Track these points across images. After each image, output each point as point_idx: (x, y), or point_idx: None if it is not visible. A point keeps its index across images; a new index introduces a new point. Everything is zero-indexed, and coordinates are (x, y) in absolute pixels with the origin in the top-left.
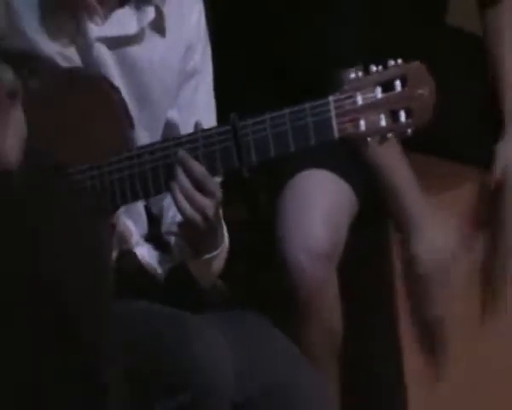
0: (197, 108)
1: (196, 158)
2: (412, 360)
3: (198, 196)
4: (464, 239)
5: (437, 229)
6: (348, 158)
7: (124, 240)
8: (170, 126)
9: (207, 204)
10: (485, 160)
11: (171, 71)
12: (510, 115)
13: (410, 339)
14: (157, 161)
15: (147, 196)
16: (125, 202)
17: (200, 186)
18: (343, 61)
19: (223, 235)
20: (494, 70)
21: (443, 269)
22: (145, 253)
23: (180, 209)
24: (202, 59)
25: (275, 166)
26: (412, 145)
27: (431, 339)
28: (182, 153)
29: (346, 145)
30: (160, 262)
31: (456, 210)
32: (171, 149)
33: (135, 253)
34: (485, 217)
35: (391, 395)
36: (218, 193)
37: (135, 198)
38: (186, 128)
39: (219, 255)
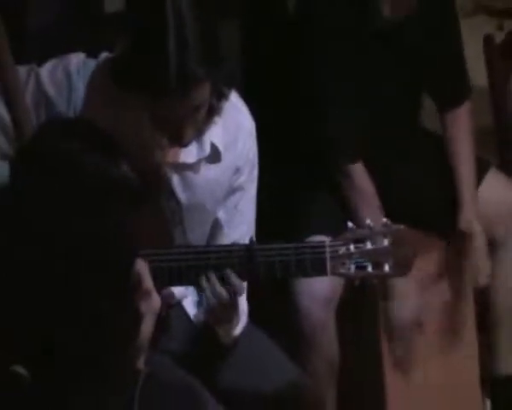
0: (239, 215)
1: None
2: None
3: (225, 295)
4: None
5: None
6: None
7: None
8: (216, 224)
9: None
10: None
11: (221, 187)
12: (468, 204)
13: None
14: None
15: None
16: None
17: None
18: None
19: (243, 310)
20: (453, 178)
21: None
22: (190, 306)
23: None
24: (247, 179)
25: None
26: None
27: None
28: (229, 271)
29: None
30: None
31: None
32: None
33: (183, 305)
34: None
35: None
36: (239, 291)
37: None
38: (229, 227)
39: (239, 324)
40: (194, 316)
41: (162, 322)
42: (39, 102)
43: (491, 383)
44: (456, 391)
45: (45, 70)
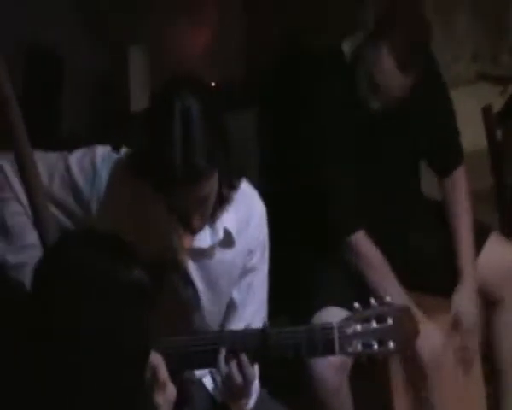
0: (252, 295)
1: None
2: None
3: (239, 381)
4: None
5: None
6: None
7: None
8: (231, 304)
9: (244, 385)
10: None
11: (235, 268)
12: (467, 277)
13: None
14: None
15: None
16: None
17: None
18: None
19: (256, 388)
20: (452, 241)
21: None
22: (209, 383)
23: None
24: (259, 260)
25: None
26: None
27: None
28: (245, 360)
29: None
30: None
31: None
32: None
33: (203, 382)
34: None
35: None
36: (253, 378)
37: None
38: (243, 306)
39: (251, 399)
40: (214, 392)
41: (186, 401)
42: (67, 184)
43: None
44: None
45: (74, 157)
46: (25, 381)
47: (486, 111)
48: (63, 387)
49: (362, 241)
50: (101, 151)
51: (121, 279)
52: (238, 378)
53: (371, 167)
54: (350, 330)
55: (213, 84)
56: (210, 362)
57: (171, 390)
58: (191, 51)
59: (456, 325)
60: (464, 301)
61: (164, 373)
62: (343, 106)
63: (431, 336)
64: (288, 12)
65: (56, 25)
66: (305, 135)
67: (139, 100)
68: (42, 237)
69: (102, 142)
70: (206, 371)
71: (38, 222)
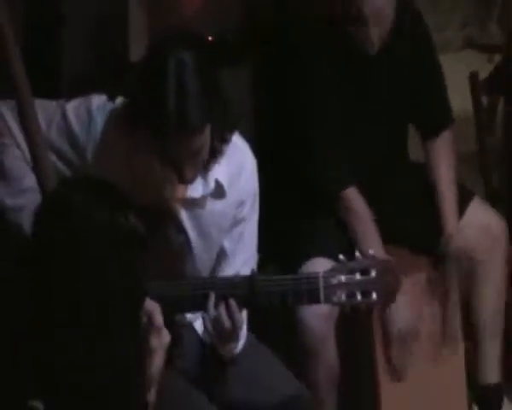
0: (242, 244)
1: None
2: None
3: (228, 325)
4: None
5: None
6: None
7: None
8: (222, 252)
9: (232, 329)
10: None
11: (226, 218)
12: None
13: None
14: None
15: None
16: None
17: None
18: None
19: (244, 333)
20: (437, 201)
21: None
22: (200, 327)
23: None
24: (250, 210)
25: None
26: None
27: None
28: (233, 305)
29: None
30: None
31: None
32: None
33: (194, 326)
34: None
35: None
36: (241, 323)
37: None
38: (234, 255)
39: (239, 343)
40: (203, 336)
41: (176, 343)
42: (63, 131)
43: (479, 391)
44: (445, 397)
45: (71, 106)
46: (24, 321)
47: (473, 78)
48: (63, 327)
49: (353, 196)
50: (97, 100)
51: (117, 225)
52: (227, 323)
53: (362, 127)
54: (335, 281)
55: (210, 38)
56: (200, 306)
57: (165, 335)
58: (189, 5)
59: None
60: (449, 242)
61: (159, 319)
62: (334, 62)
63: (404, 312)
64: None
65: None
66: (297, 92)
67: (138, 50)
68: (41, 182)
69: (101, 90)
70: (197, 315)
71: (37, 168)
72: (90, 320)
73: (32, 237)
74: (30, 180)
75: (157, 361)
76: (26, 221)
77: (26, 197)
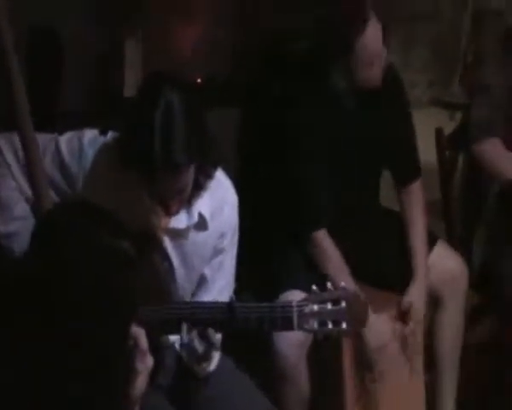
0: (221, 272)
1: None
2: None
3: (200, 351)
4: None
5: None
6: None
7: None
8: (202, 279)
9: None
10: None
11: (207, 248)
12: (420, 275)
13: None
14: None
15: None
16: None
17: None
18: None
19: (218, 354)
20: (408, 244)
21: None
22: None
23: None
24: (230, 242)
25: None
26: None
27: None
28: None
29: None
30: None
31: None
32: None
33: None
34: None
35: None
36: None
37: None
38: (213, 282)
39: (212, 363)
40: (181, 352)
41: (159, 365)
42: (56, 162)
43: None
44: None
45: (64, 138)
46: (15, 340)
47: (438, 133)
48: (55, 345)
49: (323, 238)
50: (89, 133)
51: (110, 248)
52: (198, 349)
53: (338, 172)
54: (307, 309)
55: (199, 80)
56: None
57: (149, 359)
58: (181, 48)
59: (405, 315)
60: (416, 296)
61: (144, 343)
62: (319, 108)
63: (378, 327)
64: (272, 15)
65: (62, 11)
66: (282, 134)
67: (132, 87)
68: (40, 210)
69: (97, 122)
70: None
71: (38, 196)
72: (79, 339)
73: (27, 259)
74: (21, 209)
75: (140, 383)
76: (17, 247)
77: (16, 224)
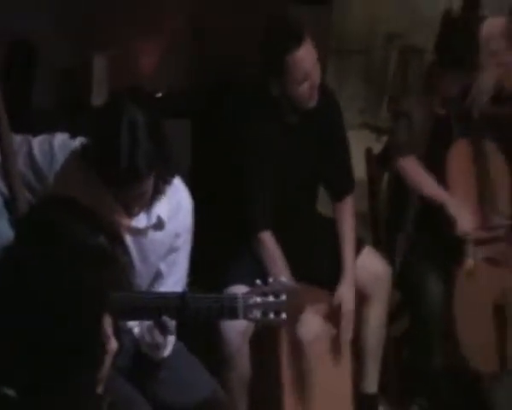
0: (175, 268)
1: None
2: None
3: (158, 338)
4: None
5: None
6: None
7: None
8: (158, 273)
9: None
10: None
11: (164, 246)
12: (349, 274)
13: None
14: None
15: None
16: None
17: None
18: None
19: (172, 340)
20: (339, 248)
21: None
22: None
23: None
24: (184, 242)
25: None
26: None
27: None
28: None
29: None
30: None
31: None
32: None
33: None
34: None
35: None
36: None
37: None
38: (168, 276)
39: (167, 349)
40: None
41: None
42: (28, 162)
43: (359, 399)
44: (335, 401)
45: (36, 141)
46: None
47: (368, 152)
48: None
49: (268, 239)
50: (60, 137)
51: (88, 244)
52: (157, 337)
53: (283, 182)
54: (251, 301)
55: (160, 94)
56: (142, 316)
57: (114, 342)
58: (144, 64)
59: (336, 310)
60: (345, 292)
61: (109, 329)
62: (264, 128)
63: (310, 322)
64: (230, 43)
65: (34, 20)
66: (230, 150)
67: (99, 96)
68: (16, 209)
69: (65, 127)
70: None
71: (13, 193)
72: (61, 320)
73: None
74: None
75: (107, 362)
76: None
77: None
